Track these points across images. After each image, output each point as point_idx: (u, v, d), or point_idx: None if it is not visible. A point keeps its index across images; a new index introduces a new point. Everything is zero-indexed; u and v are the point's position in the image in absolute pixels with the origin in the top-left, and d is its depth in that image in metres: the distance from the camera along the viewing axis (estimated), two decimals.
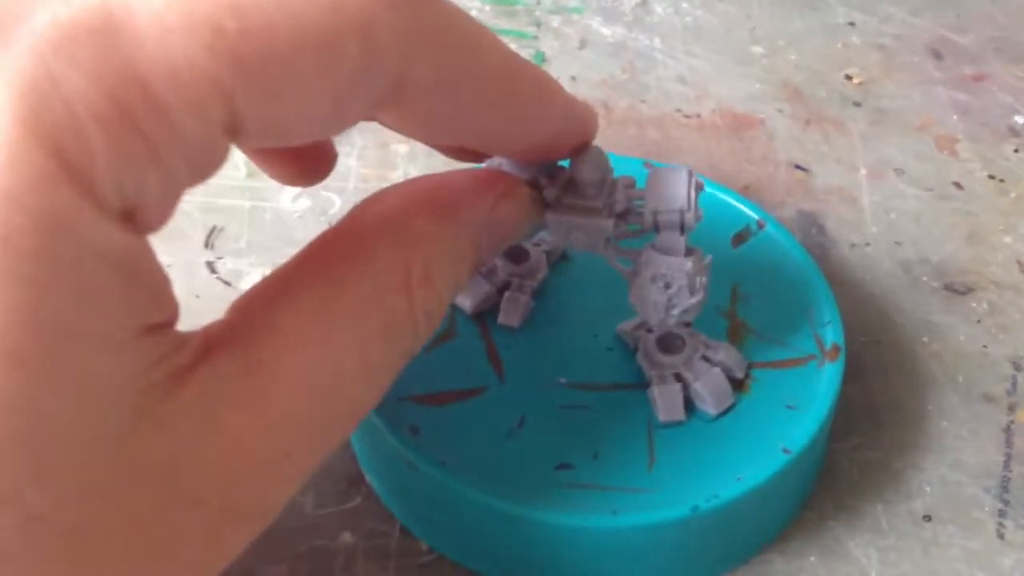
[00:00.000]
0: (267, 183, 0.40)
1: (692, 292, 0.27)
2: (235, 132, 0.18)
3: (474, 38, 0.22)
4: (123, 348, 0.17)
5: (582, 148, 0.27)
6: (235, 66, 0.17)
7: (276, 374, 0.20)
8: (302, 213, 0.40)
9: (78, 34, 0.16)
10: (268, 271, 0.37)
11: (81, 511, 0.17)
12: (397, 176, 0.41)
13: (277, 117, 0.18)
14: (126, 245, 0.17)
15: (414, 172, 0.41)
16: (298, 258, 0.23)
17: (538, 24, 0.50)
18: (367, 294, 0.22)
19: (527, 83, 0.23)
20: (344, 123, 0.20)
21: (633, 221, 0.28)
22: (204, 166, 0.18)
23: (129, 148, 0.16)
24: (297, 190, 0.40)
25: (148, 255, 0.18)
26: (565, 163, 0.28)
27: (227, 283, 0.37)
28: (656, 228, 0.27)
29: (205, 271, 0.37)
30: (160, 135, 0.17)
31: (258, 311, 0.21)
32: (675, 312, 0.27)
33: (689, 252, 0.27)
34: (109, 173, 0.16)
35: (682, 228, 0.27)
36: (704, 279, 0.27)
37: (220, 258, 0.38)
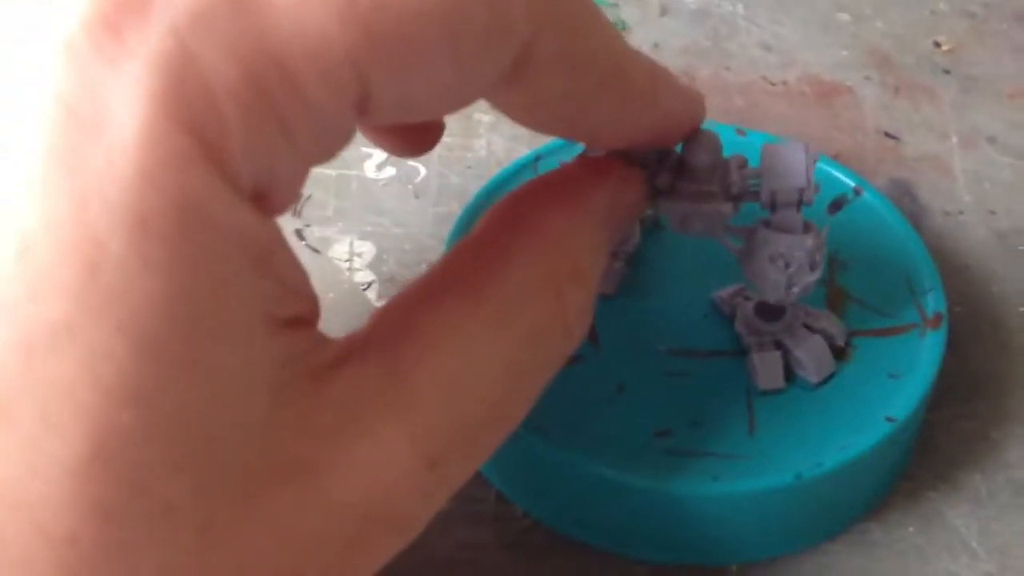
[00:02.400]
0: (352, 151, 0.40)
1: (812, 269, 0.27)
2: (364, 107, 0.18)
3: (595, 20, 0.21)
4: (256, 340, 0.17)
5: (692, 134, 0.26)
6: (367, 37, 0.17)
7: (419, 380, 0.20)
8: (387, 181, 0.40)
9: (214, 9, 0.16)
10: (355, 239, 0.38)
11: (216, 505, 0.17)
12: (480, 144, 0.41)
13: (405, 90, 0.18)
14: (258, 229, 0.17)
15: (498, 141, 0.41)
16: (438, 268, 0.23)
17: None
18: (512, 298, 0.22)
19: (640, 70, 0.23)
20: (467, 98, 0.20)
21: (749, 200, 0.27)
22: (332, 143, 0.18)
23: (264, 125, 0.16)
24: (383, 158, 0.40)
25: (281, 243, 0.18)
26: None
27: (316, 250, 0.37)
28: (773, 207, 0.27)
29: (294, 239, 0.38)
30: (294, 111, 0.16)
31: (400, 319, 0.21)
32: (796, 289, 0.27)
33: (805, 227, 0.27)
34: (244, 151, 0.16)
35: (799, 205, 0.27)
36: (822, 254, 0.27)
37: (308, 226, 0.38)
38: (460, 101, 0.20)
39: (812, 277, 0.27)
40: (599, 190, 0.25)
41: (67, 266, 0.15)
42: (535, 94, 0.21)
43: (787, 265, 0.26)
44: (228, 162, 0.16)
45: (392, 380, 0.19)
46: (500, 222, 0.24)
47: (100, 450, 0.15)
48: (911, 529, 0.30)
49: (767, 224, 0.27)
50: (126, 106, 0.15)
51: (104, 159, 0.15)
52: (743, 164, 0.27)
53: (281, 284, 0.18)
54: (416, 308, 0.21)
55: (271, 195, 0.17)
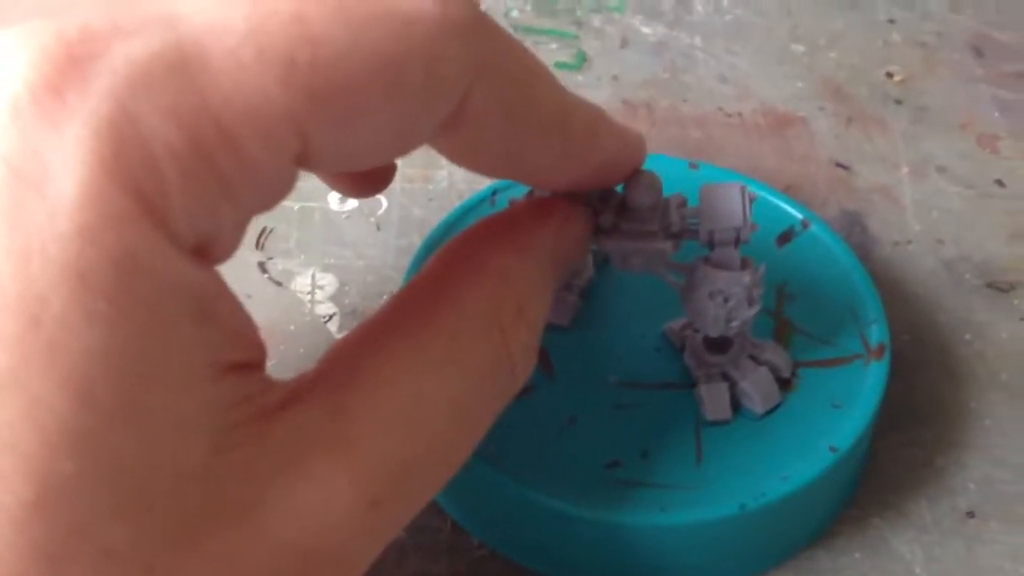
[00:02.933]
0: (315, 184, 0.41)
1: (751, 304, 0.27)
2: (304, 160, 0.18)
3: (532, 71, 0.22)
4: (199, 386, 0.17)
5: (634, 174, 0.27)
6: (308, 98, 0.17)
7: (361, 421, 0.20)
8: (349, 214, 0.41)
9: (154, 73, 0.16)
10: (318, 271, 0.38)
11: (157, 548, 0.17)
12: (442, 176, 0.42)
13: (346, 144, 0.19)
14: (199, 280, 0.17)
15: (459, 173, 0.42)
16: (386, 308, 0.23)
17: (579, 24, 0.50)
18: (457, 338, 0.22)
19: (580, 116, 0.24)
20: (407, 148, 0.21)
21: (688, 238, 0.28)
22: (274, 194, 0.19)
23: (204, 183, 0.17)
24: None
25: (224, 292, 0.18)
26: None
27: (278, 283, 0.38)
28: (711, 245, 0.28)
29: (256, 272, 0.38)
30: (234, 169, 0.17)
31: (346, 359, 0.21)
32: (734, 324, 0.28)
33: (743, 264, 0.28)
34: (184, 208, 0.17)
35: (737, 243, 0.27)
36: (760, 289, 0.28)
37: (271, 258, 0.39)
38: (400, 150, 0.21)
39: (750, 312, 0.28)
40: (544, 230, 0.25)
41: (10, 319, 0.15)
42: (474, 141, 0.22)
43: (726, 300, 0.27)
44: (168, 219, 0.16)
45: (334, 421, 0.20)
46: (447, 263, 0.24)
47: (43, 497, 0.16)
48: (857, 555, 0.31)
49: (706, 261, 0.28)
50: (67, 166, 0.16)
51: (46, 217, 0.16)
52: (683, 203, 0.28)
53: (224, 331, 0.18)
54: (363, 349, 0.22)
55: (213, 246, 0.18)
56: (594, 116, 0.24)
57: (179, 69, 0.16)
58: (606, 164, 0.25)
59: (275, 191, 0.19)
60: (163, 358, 0.17)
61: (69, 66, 0.16)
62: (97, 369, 0.16)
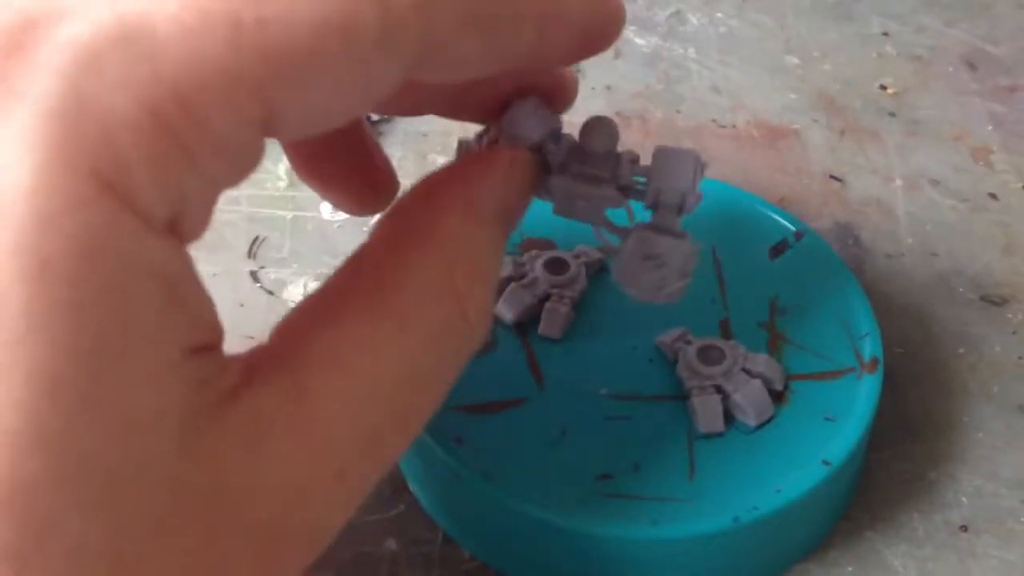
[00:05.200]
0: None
1: (683, 275, 0.27)
2: (270, 125, 0.18)
3: None
4: (166, 373, 0.17)
5: (606, 40, 0.26)
6: (260, 58, 0.17)
7: (322, 396, 0.20)
8: (342, 223, 0.40)
9: (100, 49, 0.16)
10: (310, 280, 0.38)
11: (128, 540, 0.17)
12: None
13: (310, 102, 0.18)
14: (169, 258, 0.17)
15: None
16: (338, 277, 0.23)
17: None
18: (411, 304, 0.22)
19: None
20: (378, 95, 0.20)
21: (634, 197, 0.27)
22: (242, 164, 0.18)
23: (167, 155, 0.16)
24: None
25: (191, 274, 0.18)
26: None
27: (270, 292, 0.38)
28: (655, 207, 0.27)
29: (248, 281, 0.38)
30: (196, 138, 0.17)
31: (300, 334, 0.21)
32: (664, 291, 0.27)
33: (681, 235, 0.27)
34: (150, 183, 0.16)
35: (680, 209, 0.27)
36: (694, 262, 0.27)
37: (263, 268, 0.39)
38: (369, 101, 0.20)
39: (681, 282, 0.27)
40: (487, 181, 0.25)
41: None
42: (448, 57, 0.21)
43: (660, 267, 0.27)
44: (134, 196, 0.16)
45: (293, 398, 0.20)
46: (397, 228, 0.23)
47: (10, 496, 0.15)
48: (849, 568, 0.30)
49: (647, 226, 0.27)
50: (17, 153, 0.15)
51: (0, 207, 0.15)
52: (635, 160, 0.27)
53: (190, 312, 0.18)
54: (316, 321, 0.21)
55: (183, 221, 0.17)
56: None
57: (125, 42, 0.16)
58: (581, 31, 0.24)
59: (243, 161, 0.18)
60: (130, 347, 0.16)
61: (10, 52, 0.16)
62: (62, 363, 0.15)
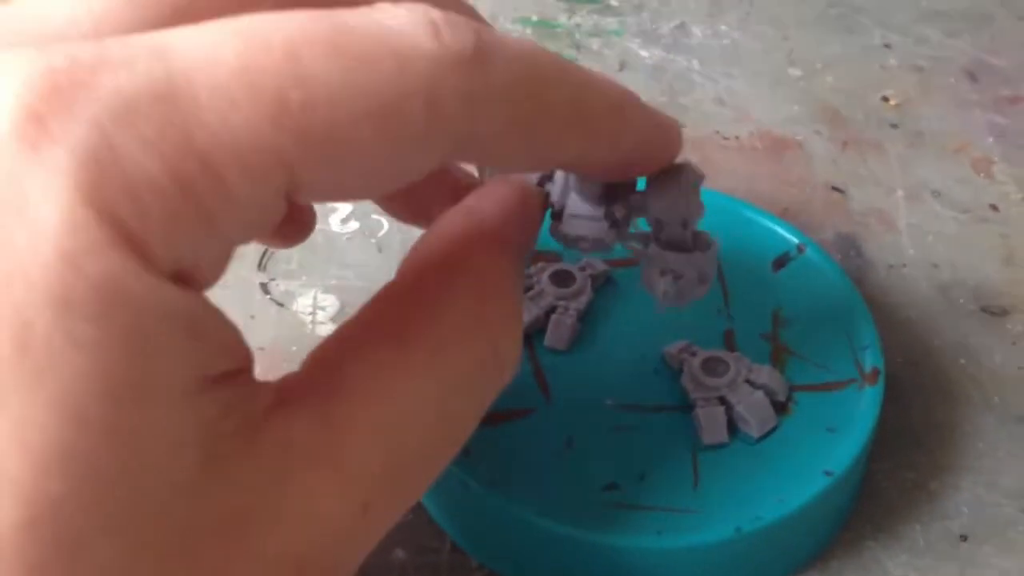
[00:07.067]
0: (317, 206, 0.41)
1: (703, 282, 0.27)
2: (293, 194, 0.18)
3: (540, 78, 0.21)
4: (188, 401, 0.17)
5: (670, 160, 0.26)
6: (299, 138, 0.17)
7: (351, 429, 0.20)
8: (351, 235, 0.41)
9: (140, 105, 0.16)
10: (319, 292, 0.39)
11: (149, 564, 0.17)
12: None
13: (337, 180, 0.19)
14: (184, 303, 0.17)
15: None
16: (369, 309, 0.23)
17: (578, 47, 0.51)
18: (444, 339, 0.22)
19: (600, 105, 0.22)
20: (409, 179, 0.20)
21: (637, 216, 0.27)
22: (260, 226, 0.19)
23: (186, 218, 0.17)
24: (347, 212, 0.42)
25: (209, 310, 0.18)
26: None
27: (280, 304, 0.38)
28: (660, 227, 0.27)
29: (259, 292, 0.39)
30: (218, 205, 0.17)
31: (333, 363, 0.21)
32: (685, 299, 0.27)
33: (697, 240, 0.27)
34: (164, 239, 0.17)
35: (684, 226, 0.27)
36: (713, 267, 0.27)
37: (273, 279, 0.39)
38: (402, 182, 0.20)
39: (701, 290, 0.27)
40: (510, 219, 0.25)
41: None
42: (490, 155, 0.22)
43: (676, 279, 0.27)
44: (148, 248, 0.16)
45: (323, 432, 0.20)
46: (425, 262, 0.24)
47: (32, 518, 0.16)
48: None
49: (656, 240, 0.27)
50: (47, 193, 0.16)
51: (27, 242, 0.16)
52: (632, 186, 0.27)
53: (211, 343, 0.18)
54: (348, 352, 0.21)
55: (196, 273, 0.18)
56: (619, 99, 0.23)
57: (165, 101, 0.16)
58: (638, 147, 0.24)
59: (262, 223, 0.19)
60: (152, 377, 0.17)
61: (54, 95, 0.16)
62: (86, 390, 0.16)
